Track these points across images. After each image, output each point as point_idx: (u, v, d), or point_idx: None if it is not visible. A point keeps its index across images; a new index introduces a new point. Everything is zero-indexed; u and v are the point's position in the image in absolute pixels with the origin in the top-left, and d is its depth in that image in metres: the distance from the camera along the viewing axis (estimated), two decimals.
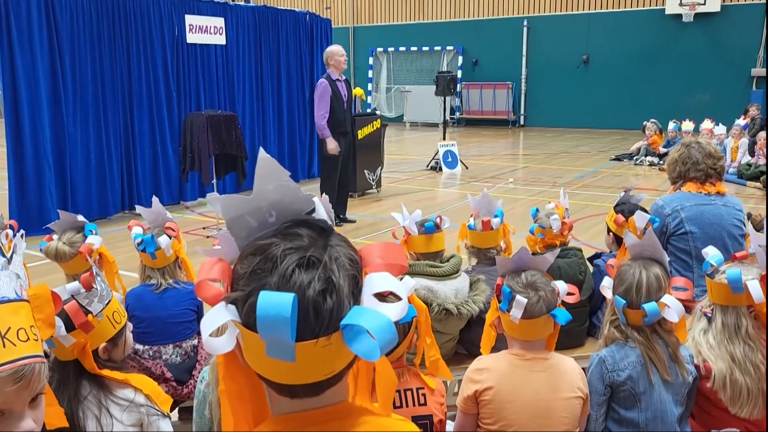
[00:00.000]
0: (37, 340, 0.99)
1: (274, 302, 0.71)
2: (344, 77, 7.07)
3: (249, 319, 0.75)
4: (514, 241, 3.15)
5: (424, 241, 2.67)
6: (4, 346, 0.92)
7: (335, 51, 6.97)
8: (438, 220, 2.73)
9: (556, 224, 2.92)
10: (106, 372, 1.68)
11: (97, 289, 1.68)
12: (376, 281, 0.79)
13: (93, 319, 1.66)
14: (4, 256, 0.98)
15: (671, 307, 1.84)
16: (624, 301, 1.88)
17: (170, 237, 2.59)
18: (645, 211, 2.92)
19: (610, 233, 3.01)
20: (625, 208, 2.96)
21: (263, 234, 0.81)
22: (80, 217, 2.66)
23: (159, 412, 1.69)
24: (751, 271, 1.94)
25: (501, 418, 1.84)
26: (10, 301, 0.95)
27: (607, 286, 1.98)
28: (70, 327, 1.61)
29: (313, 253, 0.76)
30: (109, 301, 1.70)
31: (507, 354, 1.92)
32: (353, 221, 7.25)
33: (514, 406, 1.83)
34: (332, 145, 6.79)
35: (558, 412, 1.83)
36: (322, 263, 0.76)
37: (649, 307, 1.84)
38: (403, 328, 1.77)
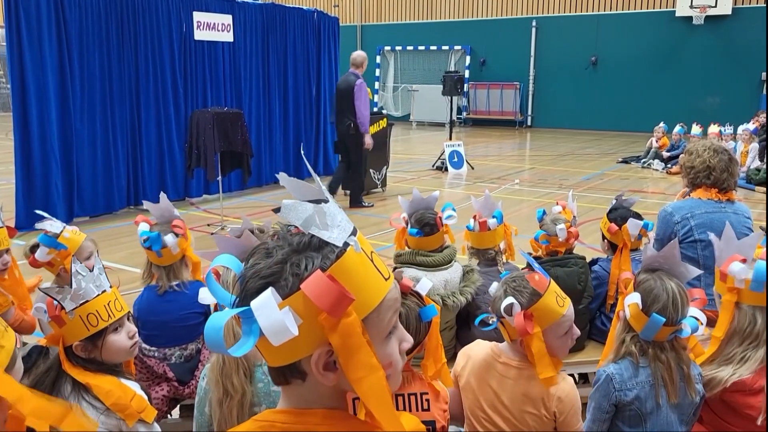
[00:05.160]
0: None
1: None
2: None
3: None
4: (517, 243, 3.13)
5: (416, 240, 2.67)
6: None
7: (366, 58, 7.80)
8: (437, 219, 2.69)
9: (562, 234, 2.89)
10: (68, 367, 1.69)
11: (73, 287, 1.68)
12: None
13: (65, 315, 1.68)
14: None
15: (701, 320, 1.82)
16: (663, 319, 1.80)
17: (177, 235, 2.56)
18: (638, 215, 2.89)
19: (605, 239, 2.99)
20: (618, 215, 2.93)
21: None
22: (50, 225, 2.60)
23: (120, 420, 1.67)
24: None
25: (467, 402, 1.96)
26: None
27: (637, 302, 1.86)
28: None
29: None
30: (86, 302, 1.70)
31: (490, 348, 1.96)
32: (371, 205, 8.04)
33: (476, 399, 1.92)
34: (369, 140, 7.60)
35: (511, 421, 1.86)
36: None
37: (691, 322, 1.81)
38: (424, 327, 1.73)
